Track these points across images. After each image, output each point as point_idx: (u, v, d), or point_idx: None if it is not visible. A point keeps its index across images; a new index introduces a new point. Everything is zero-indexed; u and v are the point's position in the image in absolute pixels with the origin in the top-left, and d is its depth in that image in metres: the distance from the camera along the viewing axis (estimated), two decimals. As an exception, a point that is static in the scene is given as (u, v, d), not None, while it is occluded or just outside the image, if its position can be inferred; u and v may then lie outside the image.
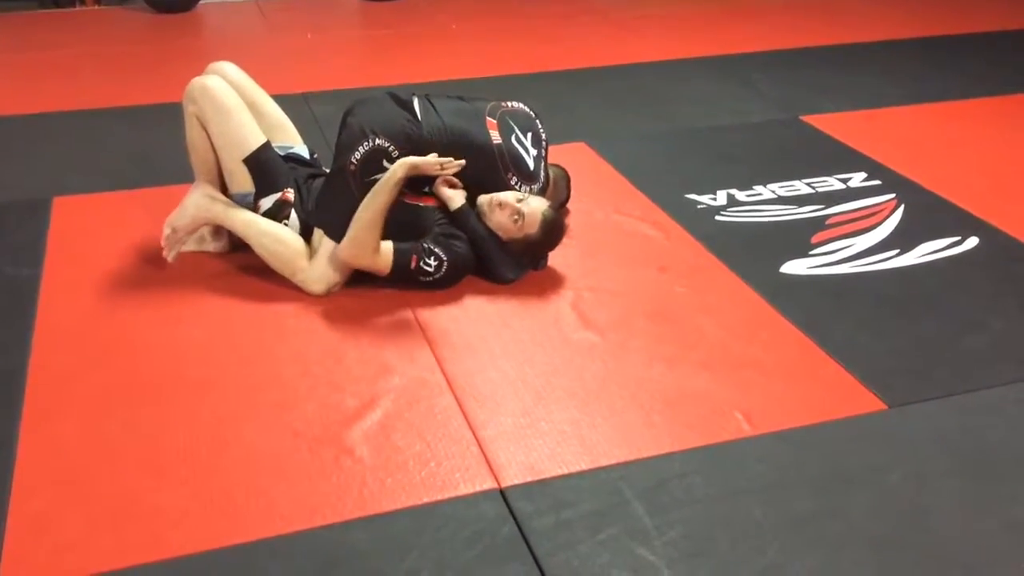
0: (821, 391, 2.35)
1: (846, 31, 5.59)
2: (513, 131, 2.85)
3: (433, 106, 2.78)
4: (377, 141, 2.64)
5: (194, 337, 2.49)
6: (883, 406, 2.28)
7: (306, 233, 2.72)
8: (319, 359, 2.41)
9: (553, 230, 2.72)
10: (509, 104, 2.94)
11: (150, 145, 3.65)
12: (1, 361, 2.37)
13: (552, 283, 2.78)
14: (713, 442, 2.15)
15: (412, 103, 2.75)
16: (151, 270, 2.76)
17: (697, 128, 4.05)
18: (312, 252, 2.69)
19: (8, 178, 3.42)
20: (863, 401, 2.30)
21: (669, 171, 3.58)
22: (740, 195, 3.37)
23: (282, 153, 2.82)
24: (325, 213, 2.70)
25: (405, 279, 2.63)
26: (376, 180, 2.62)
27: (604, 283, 2.79)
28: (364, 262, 2.60)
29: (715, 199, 3.34)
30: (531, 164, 2.85)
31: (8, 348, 2.42)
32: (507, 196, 2.71)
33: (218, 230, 2.84)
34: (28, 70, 4.68)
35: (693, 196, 3.36)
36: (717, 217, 3.21)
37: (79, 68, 4.70)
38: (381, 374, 2.36)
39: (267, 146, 2.71)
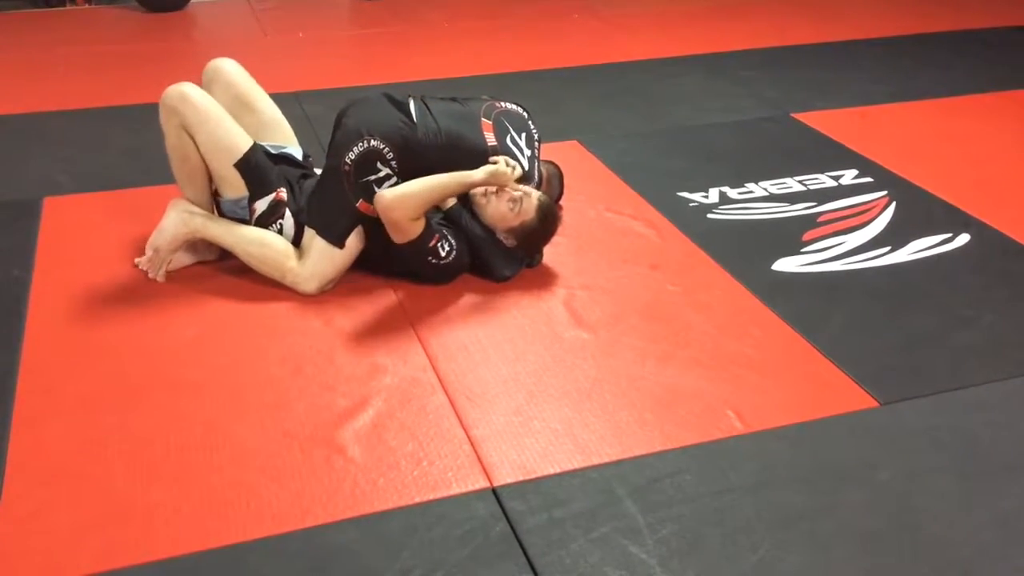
0: (813, 388, 2.35)
1: (836, 29, 5.60)
2: (508, 132, 2.84)
3: (428, 108, 2.77)
4: (372, 142, 2.63)
5: (185, 337, 2.48)
6: (874, 403, 2.29)
7: (301, 233, 2.71)
8: (310, 359, 2.40)
9: (549, 216, 2.73)
10: (503, 104, 2.94)
11: (141, 144, 3.63)
12: (-9, 362, 2.36)
13: (544, 281, 2.77)
14: (705, 440, 2.15)
15: (408, 104, 2.75)
16: (142, 270, 2.74)
17: (689, 126, 4.05)
18: (303, 252, 2.68)
19: (-2, 178, 3.42)
20: (854, 398, 2.31)
21: (661, 169, 3.58)
22: (732, 193, 3.37)
23: (274, 152, 2.81)
24: (318, 213, 2.69)
25: (416, 253, 2.62)
26: (369, 181, 2.62)
27: (596, 281, 2.79)
28: (397, 217, 2.54)
29: (707, 197, 3.34)
30: (526, 164, 2.85)
31: (-2, 349, 2.42)
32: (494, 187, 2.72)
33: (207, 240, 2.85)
34: (18, 69, 4.66)
35: (685, 194, 3.36)
36: (709, 215, 3.22)
37: (70, 68, 4.68)
38: (373, 374, 2.35)
39: (255, 148, 2.69)
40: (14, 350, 2.40)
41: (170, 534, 1.86)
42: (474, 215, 2.74)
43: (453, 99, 2.89)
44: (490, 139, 2.79)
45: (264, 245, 2.67)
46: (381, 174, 2.64)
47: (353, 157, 2.62)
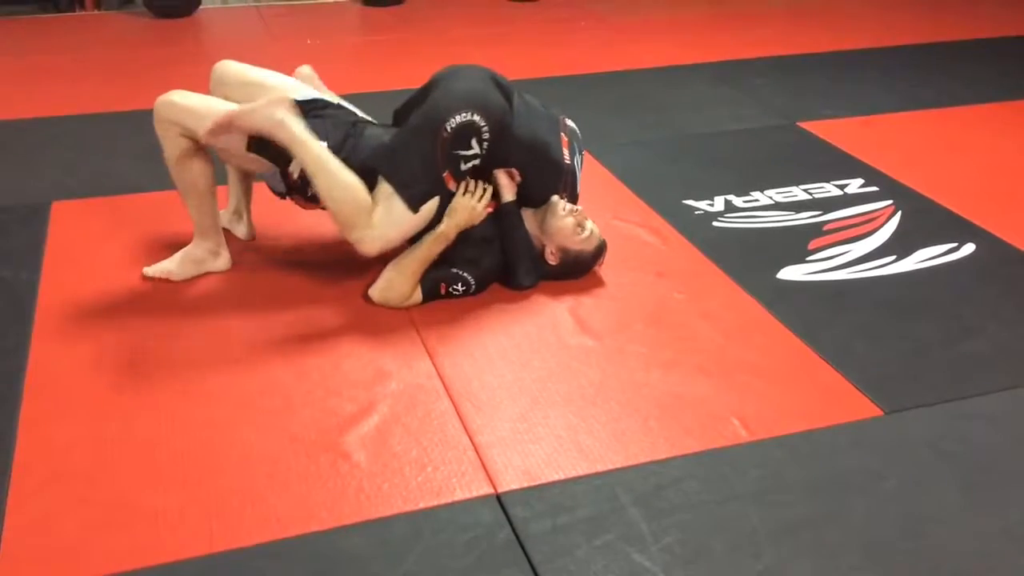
0: (818, 397, 2.35)
1: (844, 37, 5.60)
2: (575, 153, 2.84)
3: (527, 105, 2.74)
4: (475, 116, 2.52)
5: (191, 343, 2.49)
6: (879, 412, 2.29)
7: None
8: (317, 365, 2.41)
9: (600, 256, 2.80)
10: (569, 121, 2.90)
11: (150, 149, 3.58)
12: (-1, 365, 2.37)
13: (550, 288, 2.78)
14: (710, 447, 2.16)
15: (512, 93, 2.69)
16: (149, 278, 2.75)
17: (695, 134, 4.05)
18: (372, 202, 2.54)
19: (7, 182, 3.43)
20: (859, 407, 2.31)
21: (667, 177, 3.59)
22: (737, 201, 3.38)
23: (304, 100, 2.63)
24: (401, 167, 2.53)
25: (436, 300, 2.67)
26: (459, 156, 2.54)
27: (602, 288, 2.80)
28: (395, 304, 2.63)
29: (712, 205, 3.34)
30: (578, 186, 2.86)
31: (6, 352, 2.42)
32: (578, 206, 2.77)
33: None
34: (28, 74, 4.69)
35: (691, 202, 3.37)
36: (715, 223, 3.22)
37: (79, 73, 4.71)
38: (378, 379, 2.36)
39: None
40: (22, 353, 2.42)
41: (175, 538, 1.86)
42: (545, 213, 2.73)
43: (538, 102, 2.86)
44: (566, 156, 2.77)
45: (349, 190, 2.49)
46: (471, 152, 2.56)
47: (455, 125, 2.50)
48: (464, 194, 2.61)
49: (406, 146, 2.55)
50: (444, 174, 2.55)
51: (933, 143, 4.03)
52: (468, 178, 2.62)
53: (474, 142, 2.55)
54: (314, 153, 2.49)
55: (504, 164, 2.68)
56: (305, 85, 2.78)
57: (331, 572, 1.80)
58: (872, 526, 1.95)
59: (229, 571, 1.80)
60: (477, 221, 2.64)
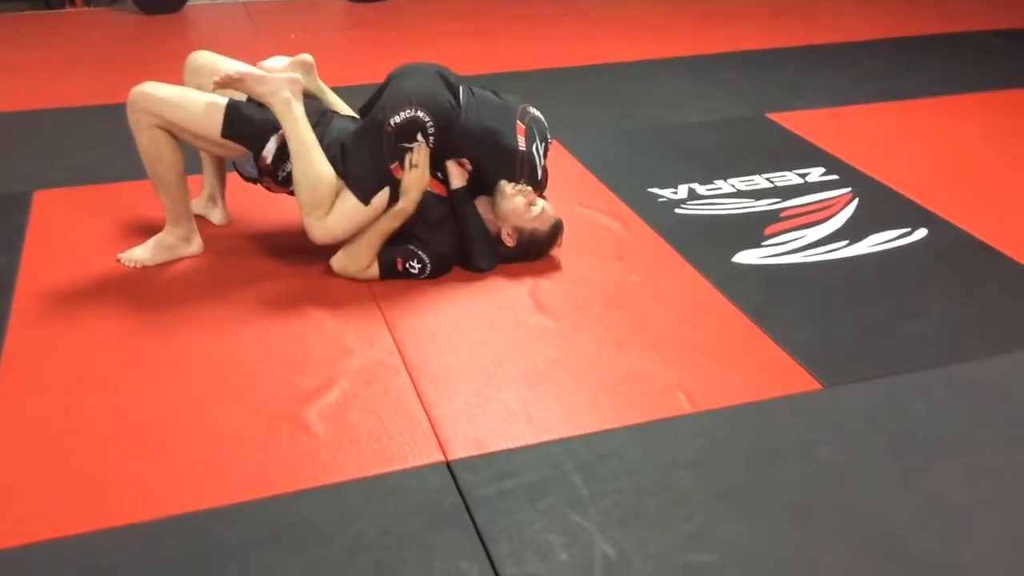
0: (761, 372, 2.45)
1: (815, 32, 5.70)
2: (534, 139, 2.91)
3: (474, 97, 2.85)
4: (419, 112, 2.68)
5: (163, 322, 2.59)
6: (819, 386, 2.39)
7: None
8: (281, 342, 2.51)
9: (557, 234, 2.88)
10: (532, 110, 2.99)
11: (131, 140, 3.68)
12: (-23, 344, 2.47)
13: (510, 271, 2.87)
14: (653, 419, 2.25)
15: (458, 88, 2.82)
16: (126, 265, 2.85)
17: (665, 125, 4.15)
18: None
19: (-10, 172, 3.53)
20: (800, 381, 2.41)
21: (634, 166, 3.69)
22: (700, 189, 3.47)
23: None
24: (354, 163, 2.71)
25: (394, 278, 2.77)
26: (406, 148, 2.69)
27: (561, 271, 2.90)
28: (353, 274, 2.75)
29: (676, 193, 3.44)
30: (539, 173, 2.94)
31: (-16, 332, 2.52)
32: (528, 186, 2.85)
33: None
34: (15, 69, 4.78)
35: (655, 190, 3.46)
36: (677, 210, 3.32)
37: (67, 68, 4.80)
38: (340, 356, 2.46)
39: (231, 107, 2.69)
40: (-1, 332, 2.52)
41: (138, 501, 1.96)
42: (495, 197, 2.82)
43: (493, 92, 2.96)
44: (521, 143, 2.86)
45: (322, 179, 2.67)
46: (416, 144, 2.70)
47: (398, 121, 2.67)
48: (410, 170, 2.71)
49: (357, 143, 2.74)
50: (392, 166, 2.71)
51: (897, 134, 4.13)
52: (407, 155, 2.71)
53: (419, 136, 2.70)
54: (303, 137, 2.68)
55: (455, 154, 2.80)
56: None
57: (285, 532, 1.90)
58: (803, 491, 2.05)
59: (188, 532, 1.90)
60: (427, 183, 2.75)
